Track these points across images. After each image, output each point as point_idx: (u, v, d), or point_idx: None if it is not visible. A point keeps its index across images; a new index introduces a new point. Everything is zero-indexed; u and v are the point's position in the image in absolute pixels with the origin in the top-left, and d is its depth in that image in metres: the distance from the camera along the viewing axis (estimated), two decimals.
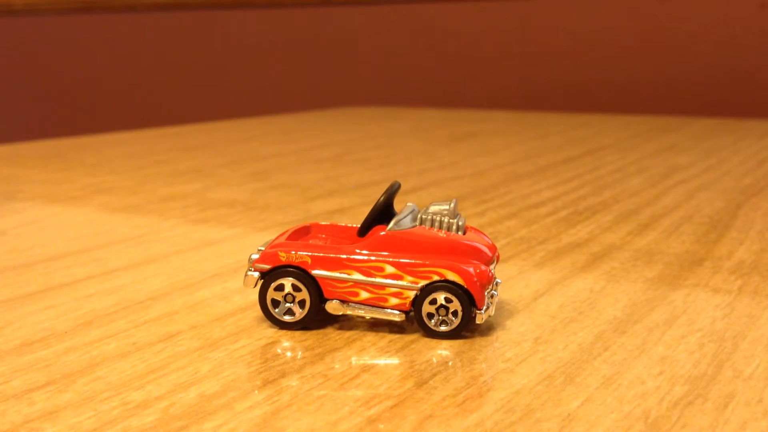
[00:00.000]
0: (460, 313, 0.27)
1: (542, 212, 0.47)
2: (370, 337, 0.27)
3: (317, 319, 0.28)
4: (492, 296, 0.27)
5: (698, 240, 0.40)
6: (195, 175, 0.60)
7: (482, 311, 0.27)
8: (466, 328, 0.27)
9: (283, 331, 0.27)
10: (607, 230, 0.42)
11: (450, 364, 0.25)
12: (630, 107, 1.14)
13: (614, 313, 0.29)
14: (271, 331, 0.27)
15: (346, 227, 0.30)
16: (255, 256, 0.28)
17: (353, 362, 0.25)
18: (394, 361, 0.25)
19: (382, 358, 0.25)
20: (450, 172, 0.61)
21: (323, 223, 0.31)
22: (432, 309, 0.27)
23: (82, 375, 0.24)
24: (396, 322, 0.28)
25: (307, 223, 0.31)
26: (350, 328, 0.28)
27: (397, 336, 0.27)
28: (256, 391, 0.23)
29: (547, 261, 0.36)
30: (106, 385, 0.23)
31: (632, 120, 0.99)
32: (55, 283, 0.33)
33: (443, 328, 0.27)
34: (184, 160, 0.68)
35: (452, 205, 0.29)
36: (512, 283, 0.33)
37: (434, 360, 0.25)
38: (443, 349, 0.26)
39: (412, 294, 0.27)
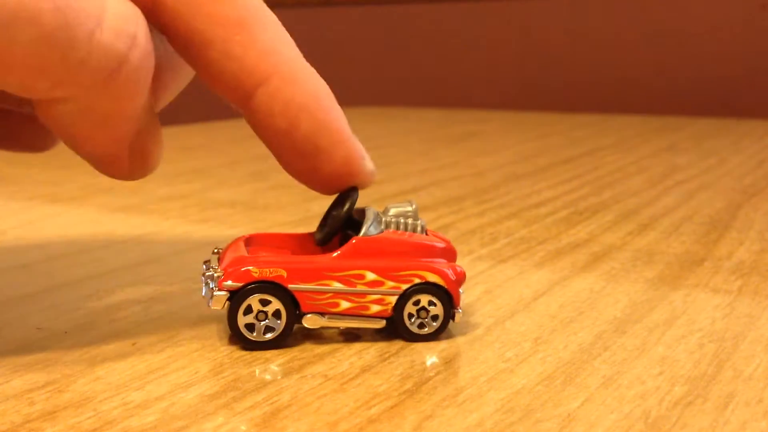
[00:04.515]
0: (441, 314, 0.27)
1: (542, 212, 0.47)
2: (370, 337, 0.27)
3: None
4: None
5: (698, 240, 0.40)
6: (195, 175, 0.60)
7: (459, 310, 0.27)
8: (446, 328, 0.27)
9: None
10: (607, 230, 0.42)
11: (450, 364, 0.25)
12: (630, 107, 1.14)
13: (614, 313, 0.29)
14: None
15: (292, 235, 0.29)
16: (215, 274, 0.26)
17: (353, 362, 0.25)
18: (394, 361, 0.25)
19: (382, 358, 0.25)
20: (450, 172, 0.61)
21: (264, 232, 0.30)
22: (413, 310, 0.26)
23: (82, 375, 0.24)
24: (377, 329, 0.27)
25: (246, 234, 0.29)
26: (350, 329, 0.27)
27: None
28: (256, 392, 0.23)
29: (547, 261, 0.36)
30: (106, 385, 0.23)
31: (632, 120, 0.99)
32: (55, 283, 0.33)
33: (424, 330, 0.27)
34: (184, 160, 0.68)
35: (414, 206, 0.28)
36: (512, 283, 0.33)
37: (434, 360, 0.25)
38: (443, 350, 0.26)
39: (393, 299, 0.26)
